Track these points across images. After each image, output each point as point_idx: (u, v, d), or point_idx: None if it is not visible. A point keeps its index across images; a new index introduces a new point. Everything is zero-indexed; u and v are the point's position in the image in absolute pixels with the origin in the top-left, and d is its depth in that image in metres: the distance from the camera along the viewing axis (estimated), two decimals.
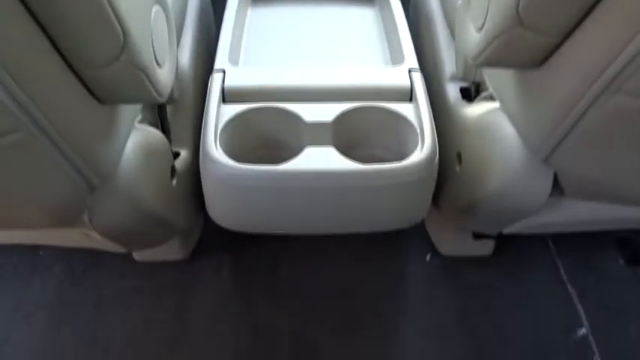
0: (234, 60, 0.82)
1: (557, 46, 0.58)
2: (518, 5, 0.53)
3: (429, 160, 0.68)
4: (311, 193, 0.67)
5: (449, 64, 0.94)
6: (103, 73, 0.56)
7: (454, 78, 0.92)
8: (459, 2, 0.80)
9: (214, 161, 0.67)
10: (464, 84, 0.91)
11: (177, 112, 0.92)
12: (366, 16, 0.98)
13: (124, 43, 0.53)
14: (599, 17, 0.52)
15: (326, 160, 0.67)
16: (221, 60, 0.80)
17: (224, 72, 0.78)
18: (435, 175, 0.72)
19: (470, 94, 0.91)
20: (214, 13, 1.16)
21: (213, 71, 0.79)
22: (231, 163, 0.66)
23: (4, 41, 0.46)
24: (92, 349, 0.96)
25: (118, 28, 0.52)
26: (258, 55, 0.86)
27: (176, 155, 0.89)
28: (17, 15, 0.47)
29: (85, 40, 0.53)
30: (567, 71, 0.58)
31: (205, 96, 0.80)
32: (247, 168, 0.66)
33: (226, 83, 0.76)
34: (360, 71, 0.79)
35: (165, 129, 0.89)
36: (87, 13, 0.50)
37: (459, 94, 0.90)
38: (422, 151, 0.69)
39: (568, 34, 0.56)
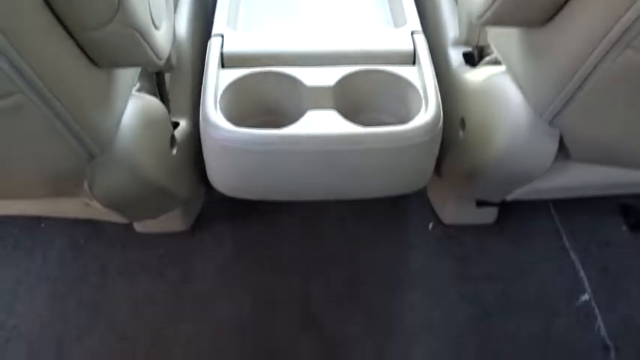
0: (232, 24, 0.81)
1: (564, 2, 0.57)
2: None
3: (433, 122, 0.67)
4: (313, 158, 0.66)
5: (451, 29, 0.92)
6: (98, 34, 0.55)
7: (457, 42, 0.90)
8: None
9: (214, 126, 0.66)
10: (467, 48, 0.89)
11: (175, 81, 0.90)
12: None
13: (118, 4, 0.52)
14: None
15: (328, 123, 0.66)
16: (219, 24, 0.79)
17: (223, 37, 0.76)
18: (440, 138, 0.71)
19: (473, 58, 0.89)
20: None
21: (212, 36, 0.77)
22: (231, 127, 0.65)
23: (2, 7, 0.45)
24: (96, 320, 0.96)
25: None
26: (257, 19, 0.84)
27: (175, 125, 0.88)
28: None
29: (80, 2, 0.51)
30: (575, 28, 0.56)
31: (204, 63, 0.78)
32: (248, 132, 0.65)
33: (225, 48, 0.74)
34: (362, 34, 0.77)
35: (163, 98, 0.87)
36: None
37: (461, 59, 0.89)
38: (426, 113, 0.67)
39: None
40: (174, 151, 0.83)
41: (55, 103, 0.55)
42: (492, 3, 0.59)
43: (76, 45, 0.56)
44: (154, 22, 0.61)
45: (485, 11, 0.60)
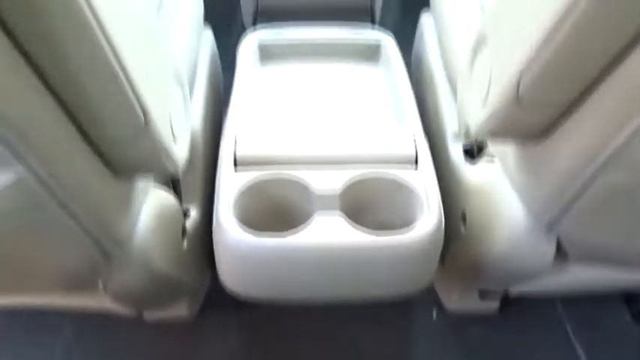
0: (244, 124, 0.85)
1: (559, 122, 0.60)
2: (518, 87, 0.56)
3: (435, 230, 0.70)
4: (321, 264, 0.69)
5: (451, 122, 0.95)
6: (122, 151, 0.59)
7: (456, 136, 0.94)
8: (461, 63, 0.82)
9: (227, 232, 0.69)
10: (467, 142, 0.93)
11: (187, 170, 0.93)
12: (371, 74, 1.01)
13: (144, 124, 0.56)
14: (601, 96, 0.54)
15: (335, 230, 0.69)
16: (232, 125, 0.83)
17: (235, 138, 0.80)
18: (441, 243, 0.73)
19: (473, 153, 0.92)
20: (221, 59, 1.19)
21: (225, 137, 0.81)
22: (244, 235, 0.68)
23: (31, 126, 0.49)
24: None
25: (139, 110, 0.55)
26: (268, 118, 0.89)
27: (186, 213, 0.90)
28: (42, 99, 0.50)
29: (106, 123, 0.55)
30: (568, 146, 0.59)
31: (215, 152, 0.81)
32: (260, 240, 0.67)
33: (238, 150, 0.78)
34: (366, 137, 0.81)
35: (176, 187, 0.91)
36: (109, 96, 0.53)
37: (461, 153, 0.91)
38: (428, 221, 0.70)
39: (570, 111, 0.58)
40: (185, 243, 0.86)
41: (75, 213, 0.57)
42: (488, 121, 0.63)
43: (97, 156, 0.59)
44: (173, 135, 0.65)
45: (482, 127, 0.65)
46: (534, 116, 0.59)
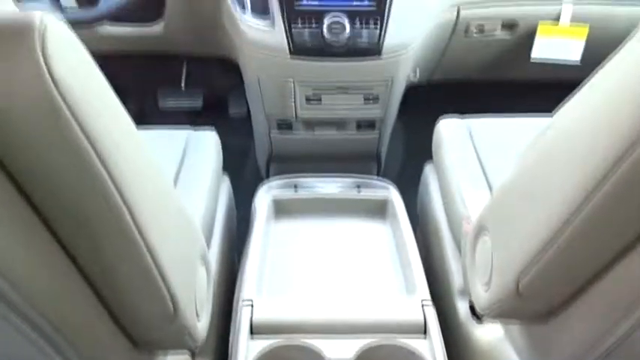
0: (260, 288, 0.89)
1: (562, 308, 0.63)
2: (518, 283, 0.61)
3: None
4: None
5: (457, 278, 0.97)
6: (148, 334, 0.62)
7: (463, 292, 0.96)
8: (464, 225, 0.87)
9: None
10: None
11: None
12: (379, 231, 1.06)
13: (173, 313, 0.60)
14: (603, 288, 0.57)
15: None
16: (249, 290, 0.87)
17: (252, 304, 0.84)
18: None
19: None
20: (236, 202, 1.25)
21: (242, 302, 0.85)
22: None
23: (70, 322, 0.53)
24: None
25: (169, 301, 0.59)
26: (281, 281, 0.93)
27: None
28: (83, 297, 0.54)
29: (138, 312, 0.59)
30: (570, 332, 0.63)
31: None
32: None
33: (254, 316, 0.82)
34: (377, 305, 0.85)
35: None
36: (142, 290, 0.57)
37: (468, 312, 0.93)
38: None
39: (572, 299, 0.61)
40: None
41: None
42: (492, 307, 0.67)
43: (123, 336, 0.62)
44: (197, 314, 0.69)
45: (487, 311, 0.69)
46: (536, 306, 0.63)
